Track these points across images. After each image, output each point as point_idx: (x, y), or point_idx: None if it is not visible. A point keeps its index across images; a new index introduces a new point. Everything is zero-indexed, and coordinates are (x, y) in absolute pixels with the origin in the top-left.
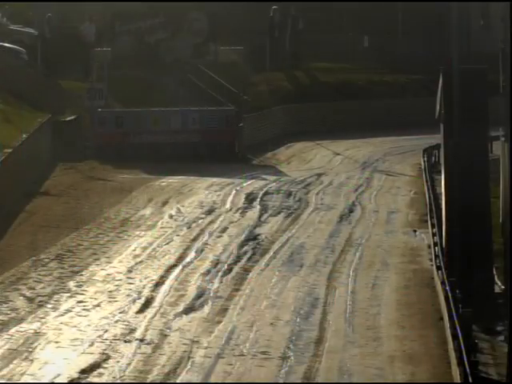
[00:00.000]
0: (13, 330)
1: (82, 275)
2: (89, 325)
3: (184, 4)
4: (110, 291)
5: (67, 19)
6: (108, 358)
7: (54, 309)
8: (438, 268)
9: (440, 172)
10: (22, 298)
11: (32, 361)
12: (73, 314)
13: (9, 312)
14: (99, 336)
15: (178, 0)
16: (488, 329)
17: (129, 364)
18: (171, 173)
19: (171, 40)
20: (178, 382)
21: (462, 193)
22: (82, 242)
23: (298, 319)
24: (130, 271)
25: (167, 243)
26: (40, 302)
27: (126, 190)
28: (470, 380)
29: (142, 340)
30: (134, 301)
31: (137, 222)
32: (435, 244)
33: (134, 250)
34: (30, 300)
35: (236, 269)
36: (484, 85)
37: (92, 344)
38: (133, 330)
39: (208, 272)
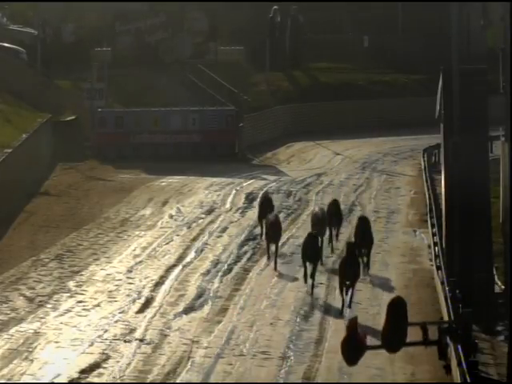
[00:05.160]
0: (13, 330)
1: (81, 275)
2: (89, 325)
3: (184, 4)
4: (110, 291)
5: (67, 19)
6: (108, 358)
7: (54, 309)
8: (438, 268)
9: (440, 172)
10: (22, 298)
11: (32, 361)
12: (73, 313)
13: (9, 312)
14: (99, 336)
15: (178, 0)
16: (488, 329)
17: (129, 364)
18: (171, 173)
19: (171, 40)
20: (177, 382)
21: (461, 193)
22: (82, 241)
23: (298, 319)
24: (129, 271)
25: (167, 243)
26: (40, 302)
27: (126, 189)
28: (470, 380)
29: (141, 340)
30: (133, 301)
31: (137, 222)
32: (435, 244)
33: (134, 250)
34: (30, 300)
35: (236, 269)
36: (484, 85)
37: (92, 344)
38: (133, 330)
39: (208, 272)
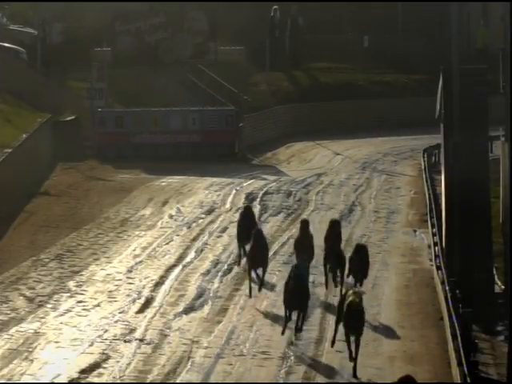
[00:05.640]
0: (13, 330)
1: (81, 275)
2: (89, 325)
3: (184, 4)
4: (110, 291)
5: (67, 19)
6: (108, 358)
7: (54, 309)
8: (438, 268)
9: (440, 172)
10: (22, 298)
11: (32, 361)
12: (73, 313)
13: (9, 312)
14: (99, 336)
15: (178, 0)
16: (488, 329)
17: (129, 364)
18: (171, 173)
19: (171, 40)
20: (177, 382)
21: (461, 193)
22: (82, 241)
23: None
24: (129, 271)
25: (167, 243)
26: (40, 301)
27: (126, 189)
28: (470, 380)
29: (141, 340)
30: (133, 301)
31: (137, 222)
32: (435, 244)
33: (134, 250)
34: (30, 300)
35: (236, 269)
36: (484, 85)
37: (92, 344)
38: (133, 330)
39: (208, 272)
